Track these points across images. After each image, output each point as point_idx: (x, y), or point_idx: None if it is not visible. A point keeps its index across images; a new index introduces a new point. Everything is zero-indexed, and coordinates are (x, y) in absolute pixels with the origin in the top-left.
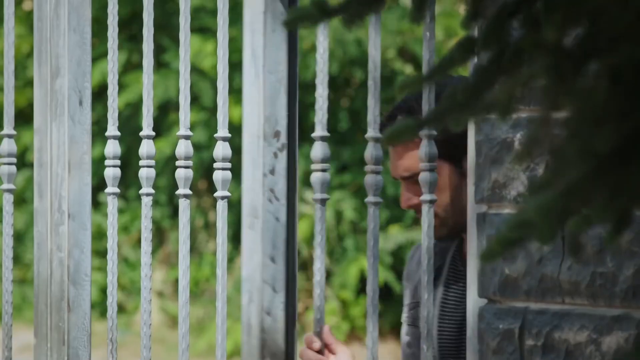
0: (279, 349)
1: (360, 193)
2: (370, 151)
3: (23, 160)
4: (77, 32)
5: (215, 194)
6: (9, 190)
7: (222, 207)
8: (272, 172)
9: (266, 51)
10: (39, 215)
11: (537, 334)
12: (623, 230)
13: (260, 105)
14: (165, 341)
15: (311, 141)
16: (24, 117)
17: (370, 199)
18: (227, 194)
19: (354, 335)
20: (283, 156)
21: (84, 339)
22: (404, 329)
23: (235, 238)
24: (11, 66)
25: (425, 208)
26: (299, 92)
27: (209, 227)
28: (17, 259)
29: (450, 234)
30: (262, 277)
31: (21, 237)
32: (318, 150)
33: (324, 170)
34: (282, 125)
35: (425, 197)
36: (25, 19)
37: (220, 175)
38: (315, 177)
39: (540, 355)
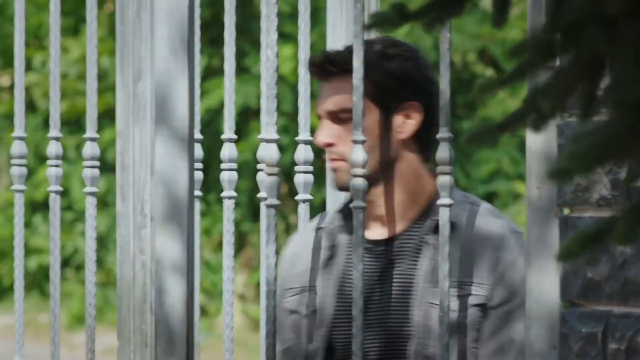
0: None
1: None
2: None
3: (103, 161)
4: None
5: (297, 197)
6: (92, 194)
7: (304, 210)
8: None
9: None
10: (121, 219)
11: (621, 338)
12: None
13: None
14: (247, 344)
15: None
16: (101, 119)
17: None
18: (309, 197)
19: None
20: None
21: None
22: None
23: None
24: (94, 70)
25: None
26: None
27: (290, 231)
28: (99, 262)
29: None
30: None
31: (103, 240)
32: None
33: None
34: None
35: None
36: (106, 22)
37: (302, 179)
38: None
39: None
